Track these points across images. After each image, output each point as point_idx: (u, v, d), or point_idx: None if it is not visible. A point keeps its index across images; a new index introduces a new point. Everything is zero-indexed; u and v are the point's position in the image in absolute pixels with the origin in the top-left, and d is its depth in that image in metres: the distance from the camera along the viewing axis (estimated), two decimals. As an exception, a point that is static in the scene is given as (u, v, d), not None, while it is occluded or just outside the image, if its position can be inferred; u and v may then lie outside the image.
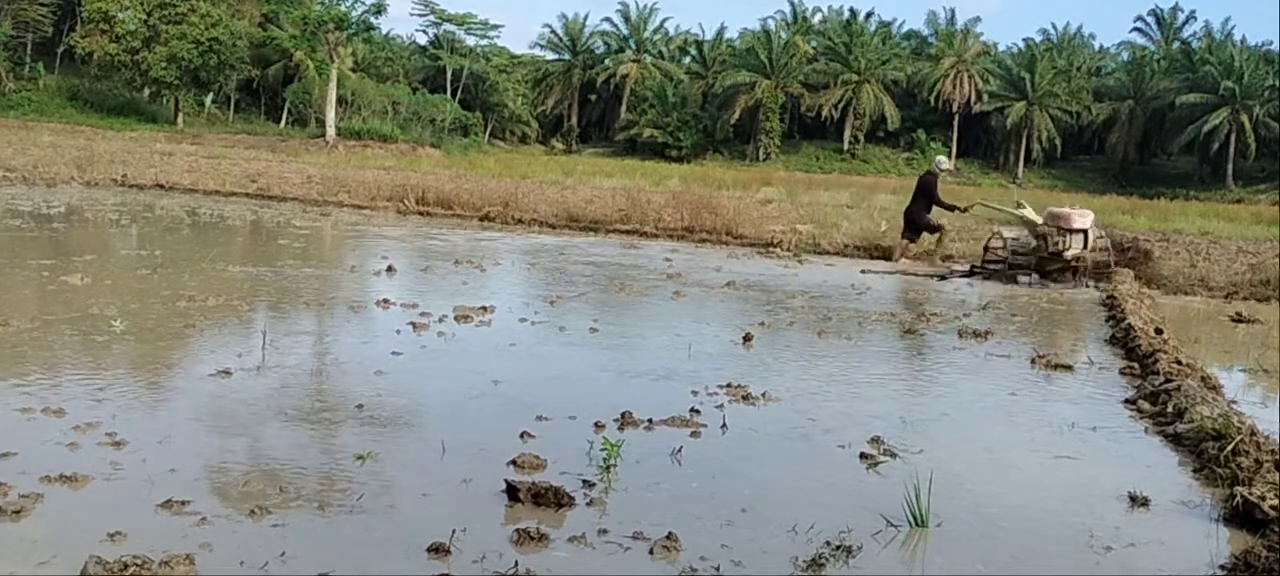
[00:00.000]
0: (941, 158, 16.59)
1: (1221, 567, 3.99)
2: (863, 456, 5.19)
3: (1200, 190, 59.17)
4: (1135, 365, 7.84)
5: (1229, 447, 5.17)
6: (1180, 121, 65.99)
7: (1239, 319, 11.45)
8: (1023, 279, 13.69)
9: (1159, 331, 8.94)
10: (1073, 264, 13.80)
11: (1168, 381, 6.82)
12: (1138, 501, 4.70)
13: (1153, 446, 5.79)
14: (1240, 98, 63.00)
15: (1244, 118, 63.03)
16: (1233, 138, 63.31)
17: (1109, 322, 10.27)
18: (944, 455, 5.28)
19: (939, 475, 4.54)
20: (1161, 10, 74.97)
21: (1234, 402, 6.50)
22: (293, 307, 8.94)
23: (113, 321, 7.41)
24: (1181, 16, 74.16)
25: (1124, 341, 8.90)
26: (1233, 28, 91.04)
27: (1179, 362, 7.42)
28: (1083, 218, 14.12)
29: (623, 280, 11.86)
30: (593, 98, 79.84)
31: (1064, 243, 13.76)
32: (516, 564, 3.60)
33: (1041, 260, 13.91)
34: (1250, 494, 4.53)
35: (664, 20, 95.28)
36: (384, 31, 65.61)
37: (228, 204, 20.16)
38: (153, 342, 7.06)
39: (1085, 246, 13.87)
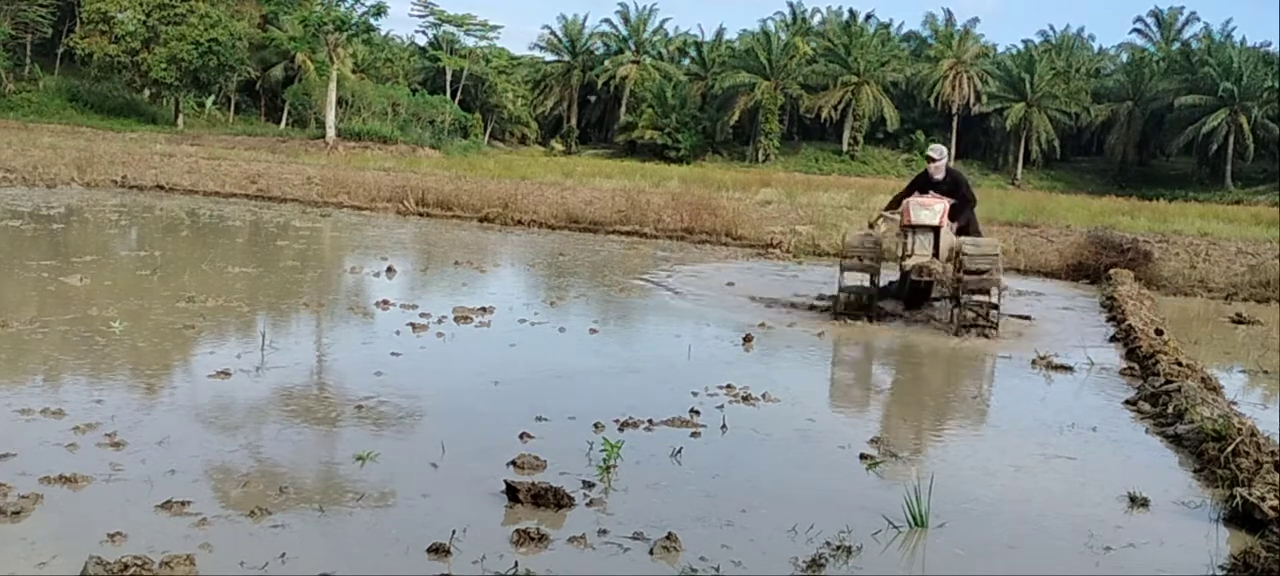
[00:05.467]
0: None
1: (1221, 568, 4.00)
2: (863, 456, 5.19)
3: (1199, 191, 59.14)
4: (1135, 366, 7.85)
5: (1229, 449, 5.17)
6: (1179, 122, 65.99)
7: (1239, 320, 11.45)
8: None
9: (1159, 332, 8.95)
10: (922, 281, 9.68)
11: (1168, 382, 6.82)
12: (1138, 502, 4.70)
13: (1153, 447, 5.79)
14: (1239, 99, 63.00)
15: (1243, 119, 63.04)
16: (1232, 139, 63.31)
17: (1109, 323, 10.27)
18: (944, 455, 5.29)
19: (939, 475, 4.54)
20: (1161, 11, 75.10)
21: (1234, 403, 6.51)
22: (292, 308, 8.94)
23: (112, 322, 7.41)
24: (1181, 18, 74.26)
25: (1124, 342, 8.91)
26: (1233, 29, 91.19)
27: (1179, 363, 7.42)
28: (925, 210, 9.56)
29: (623, 281, 11.86)
30: (592, 99, 79.80)
31: (908, 245, 9.61)
32: (516, 564, 3.60)
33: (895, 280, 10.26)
34: (1250, 495, 4.54)
35: (663, 21, 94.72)
36: (383, 32, 65.59)
37: (228, 205, 20.15)
38: (152, 343, 7.06)
39: (937, 253, 9.50)
